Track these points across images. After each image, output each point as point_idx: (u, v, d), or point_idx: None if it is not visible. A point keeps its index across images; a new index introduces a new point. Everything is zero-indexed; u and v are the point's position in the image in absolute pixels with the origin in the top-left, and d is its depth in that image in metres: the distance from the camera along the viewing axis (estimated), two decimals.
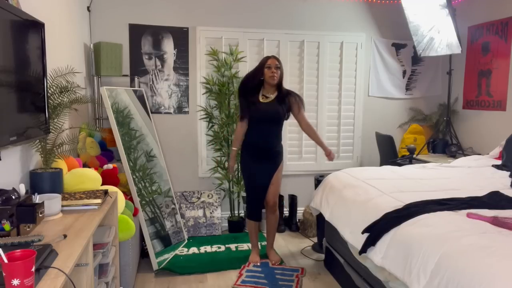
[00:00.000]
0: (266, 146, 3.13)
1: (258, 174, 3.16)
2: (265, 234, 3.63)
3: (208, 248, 3.60)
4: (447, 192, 2.43)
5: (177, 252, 3.48)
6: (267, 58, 3.11)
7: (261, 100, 3.10)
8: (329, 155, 3.20)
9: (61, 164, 2.13)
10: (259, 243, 3.40)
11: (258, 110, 3.07)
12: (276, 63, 3.06)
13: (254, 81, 3.11)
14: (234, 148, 3.26)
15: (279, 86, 3.12)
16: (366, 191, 2.55)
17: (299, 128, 4.26)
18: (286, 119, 3.17)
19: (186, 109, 4.09)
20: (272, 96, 3.10)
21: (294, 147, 4.35)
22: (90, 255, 1.64)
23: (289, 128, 4.14)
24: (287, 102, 3.11)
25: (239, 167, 3.38)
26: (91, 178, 2.22)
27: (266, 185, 3.19)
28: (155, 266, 3.10)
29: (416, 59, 4.53)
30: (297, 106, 3.15)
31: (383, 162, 4.08)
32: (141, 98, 3.58)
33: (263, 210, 3.35)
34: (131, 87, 3.73)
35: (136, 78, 3.82)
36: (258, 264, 3.23)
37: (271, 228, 3.33)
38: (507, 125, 3.73)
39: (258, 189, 3.19)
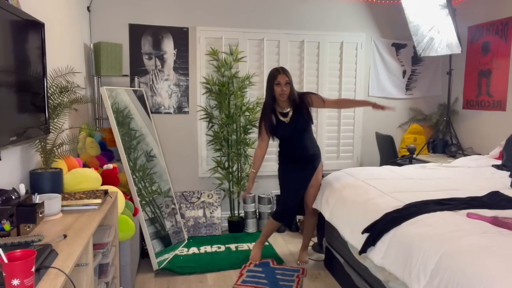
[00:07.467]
0: (303, 154, 3.08)
1: (296, 180, 3.12)
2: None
3: (208, 248, 3.60)
4: (447, 192, 2.43)
5: (177, 252, 3.48)
6: (276, 73, 2.95)
7: (281, 119, 3.00)
8: (375, 106, 2.93)
9: (61, 164, 2.13)
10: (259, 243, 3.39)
11: (285, 131, 3.00)
12: (286, 79, 2.93)
13: (270, 100, 3.01)
14: (253, 170, 3.15)
15: (290, 96, 2.99)
16: (366, 191, 2.55)
17: None
18: (312, 122, 3.08)
19: (186, 109, 4.09)
20: (289, 110, 3.00)
21: None
22: (90, 255, 1.64)
23: None
24: (305, 106, 3.00)
25: (278, 175, 3.24)
26: (91, 178, 2.22)
27: (302, 190, 3.15)
28: (155, 266, 3.10)
29: (416, 59, 4.53)
30: (317, 101, 3.03)
31: (383, 162, 4.08)
32: (141, 98, 3.58)
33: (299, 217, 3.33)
34: (131, 87, 3.73)
35: (136, 78, 3.82)
36: (257, 263, 3.24)
37: (309, 230, 3.34)
38: (507, 125, 3.73)
39: (294, 194, 3.15)
